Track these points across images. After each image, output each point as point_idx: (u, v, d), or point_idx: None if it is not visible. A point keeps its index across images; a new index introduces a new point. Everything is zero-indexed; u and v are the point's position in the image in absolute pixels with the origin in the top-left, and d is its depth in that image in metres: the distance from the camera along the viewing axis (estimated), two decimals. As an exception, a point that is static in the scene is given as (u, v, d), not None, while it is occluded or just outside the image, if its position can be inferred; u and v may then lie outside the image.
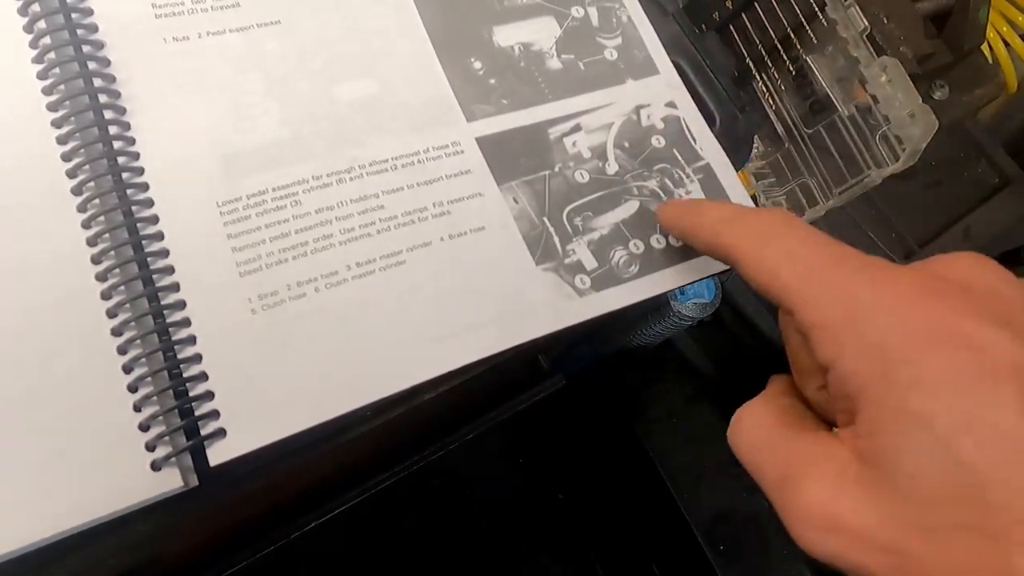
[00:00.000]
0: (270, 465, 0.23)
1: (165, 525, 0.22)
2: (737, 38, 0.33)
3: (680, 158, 0.26)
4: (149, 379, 0.20)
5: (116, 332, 0.20)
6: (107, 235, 0.20)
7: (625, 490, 0.58)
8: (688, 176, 0.26)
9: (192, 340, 0.20)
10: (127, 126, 0.22)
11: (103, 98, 0.21)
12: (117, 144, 0.21)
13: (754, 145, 0.34)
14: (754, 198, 0.33)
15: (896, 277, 0.15)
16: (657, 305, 0.50)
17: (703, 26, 0.33)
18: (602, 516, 0.57)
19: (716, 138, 0.27)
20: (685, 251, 0.25)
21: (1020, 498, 0.13)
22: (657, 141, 0.26)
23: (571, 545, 0.56)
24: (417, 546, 0.50)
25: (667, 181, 0.26)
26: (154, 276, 0.20)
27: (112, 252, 0.20)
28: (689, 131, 0.27)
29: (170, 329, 0.20)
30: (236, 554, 0.27)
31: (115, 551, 0.21)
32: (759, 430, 0.17)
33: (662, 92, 0.27)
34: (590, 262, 0.24)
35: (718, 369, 0.65)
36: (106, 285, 0.20)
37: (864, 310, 0.15)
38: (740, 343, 0.62)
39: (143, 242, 0.21)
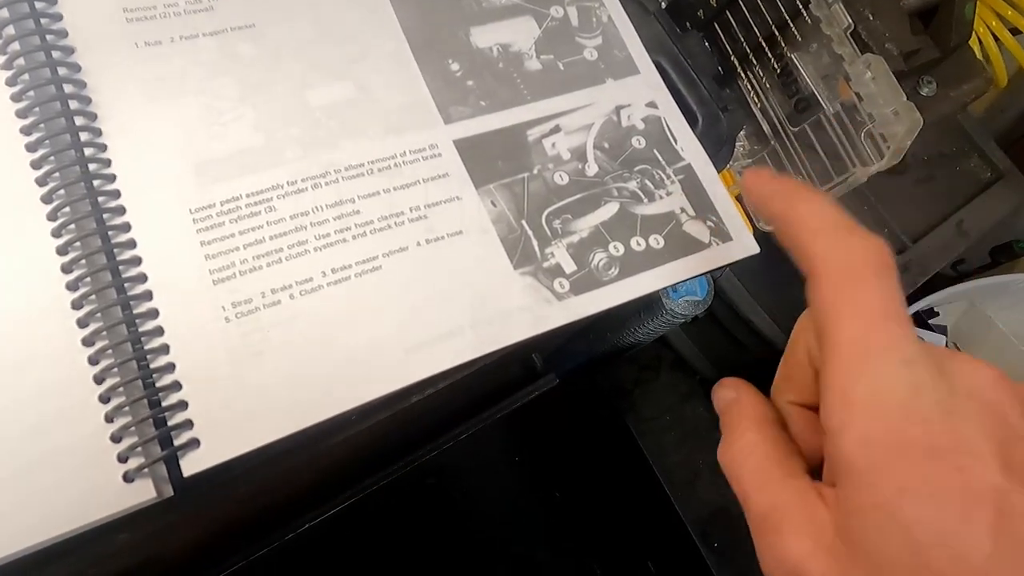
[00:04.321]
0: (261, 467, 0.22)
1: (150, 531, 0.21)
2: (722, 36, 0.32)
3: (661, 159, 0.26)
4: (121, 389, 0.19)
5: (88, 342, 0.20)
6: (78, 244, 0.20)
7: (621, 488, 0.58)
8: (669, 177, 0.26)
9: (165, 349, 0.20)
10: (98, 132, 0.21)
11: (73, 104, 0.21)
12: (88, 151, 0.21)
13: (740, 143, 0.34)
14: (740, 197, 0.33)
15: (929, 390, 0.16)
16: (649, 303, 0.50)
17: (688, 24, 0.32)
18: (598, 514, 0.57)
19: (698, 138, 0.27)
20: (665, 253, 0.24)
21: None
22: (637, 142, 0.26)
23: (568, 543, 0.56)
24: (414, 545, 0.50)
25: (647, 182, 0.25)
26: (126, 284, 0.20)
27: (83, 261, 0.20)
28: (670, 131, 0.26)
29: (143, 338, 0.20)
30: (229, 558, 0.27)
31: (97, 560, 0.21)
32: (750, 461, 0.18)
33: (642, 92, 0.27)
34: (569, 265, 0.24)
35: (713, 366, 0.65)
36: (77, 294, 0.20)
37: (885, 409, 0.16)
38: (735, 340, 0.62)
39: (115, 250, 0.20)
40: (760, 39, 0.31)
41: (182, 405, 0.20)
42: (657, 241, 0.25)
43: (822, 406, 0.17)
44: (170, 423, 0.19)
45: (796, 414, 0.19)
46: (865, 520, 0.15)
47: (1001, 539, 0.14)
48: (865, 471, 0.16)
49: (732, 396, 0.20)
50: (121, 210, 0.21)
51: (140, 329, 0.20)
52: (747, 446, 0.18)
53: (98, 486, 0.19)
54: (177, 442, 0.19)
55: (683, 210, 0.25)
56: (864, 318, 0.17)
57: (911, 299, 0.59)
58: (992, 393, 0.16)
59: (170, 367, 0.20)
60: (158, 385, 0.20)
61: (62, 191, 0.21)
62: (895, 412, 0.16)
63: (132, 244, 0.21)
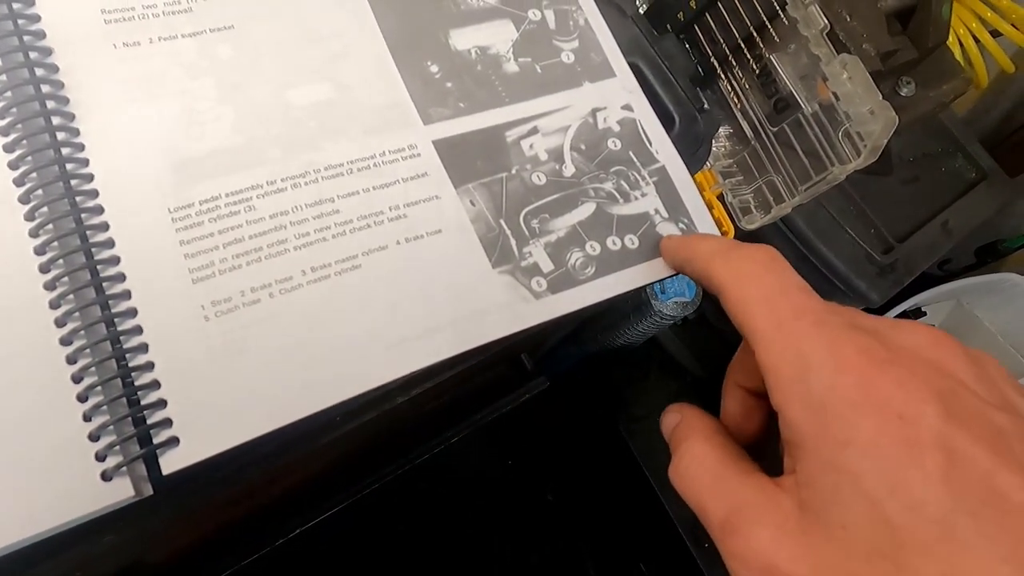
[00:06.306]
0: (248, 469, 0.22)
1: (136, 533, 0.21)
2: (702, 38, 0.33)
3: (636, 160, 0.26)
4: (99, 388, 0.19)
5: (65, 341, 0.20)
6: (56, 243, 0.20)
7: (612, 489, 0.58)
8: (644, 178, 0.26)
9: (144, 348, 0.20)
10: (75, 132, 0.21)
11: (51, 105, 0.21)
12: (65, 151, 0.21)
13: (721, 144, 0.34)
14: (721, 197, 0.33)
15: (851, 341, 0.16)
16: (639, 305, 0.50)
17: (668, 27, 0.33)
18: (591, 516, 0.57)
19: (675, 139, 0.27)
20: (641, 253, 0.25)
21: (933, 564, 0.14)
22: (613, 144, 0.26)
23: (562, 545, 0.56)
24: (407, 548, 0.50)
25: (623, 183, 0.26)
26: (104, 284, 0.20)
27: (61, 260, 0.20)
28: (645, 133, 0.27)
29: (121, 337, 0.20)
30: (218, 562, 0.27)
31: (85, 562, 0.21)
32: (702, 470, 0.18)
33: (618, 95, 0.27)
34: (547, 264, 0.24)
35: (703, 366, 0.65)
36: (55, 294, 0.20)
37: (813, 368, 0.16)
38: (724, 339, 0.62)
39: (93, 249, 0.20)
40: (739, 40, 0.31)
41: (161, 404, 0.20)
42: (632, 241, 0.25)
43: (769, 394, 0.17)
44: (149, 422, 0.19)
45: (742, 396, 0.20)
46: (821, 485, 0.15)
47: (954, 484, 0.14)
48: (811, 436, 0.16)
49: (677, 419, 0.20)
50: (99, 210, 0.21)
51: (119, 328, 0.20)
52: (697, 456, 0.18)
53: (76, 485, 0.19)
54: (156, 440, 0.19)
55: (657, 211, 0.26)
56: (767, 300, 0.18)
57: (898, 299, 0.60)
58: (932, 351, 0.16)
59: (149, 366, 0.20)
60: (137, 384, 0.20)
61: (40, 192, 0.21)
62: (822, 370, 0.16)
63: (111, 244, 0.21)
